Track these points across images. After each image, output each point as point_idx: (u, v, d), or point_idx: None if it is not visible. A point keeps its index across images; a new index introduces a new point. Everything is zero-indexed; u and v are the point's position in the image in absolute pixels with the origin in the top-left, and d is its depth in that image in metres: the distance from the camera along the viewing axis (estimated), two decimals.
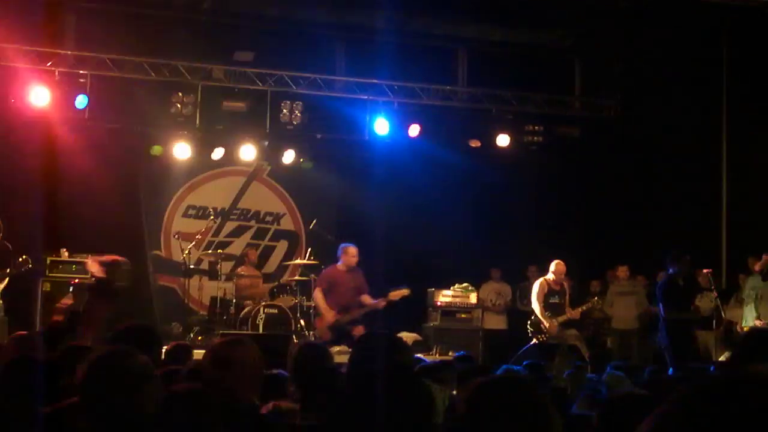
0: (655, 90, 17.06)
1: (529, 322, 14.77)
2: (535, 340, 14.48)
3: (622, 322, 16.42)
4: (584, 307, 15.11)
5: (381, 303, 14.21)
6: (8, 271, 12.97)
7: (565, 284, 14.96)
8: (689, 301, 13.96)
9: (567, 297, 14.87)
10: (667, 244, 15.48)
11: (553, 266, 14.69)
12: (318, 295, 14.25)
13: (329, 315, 14.00)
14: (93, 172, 16.00)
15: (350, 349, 13.23)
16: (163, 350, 6.88)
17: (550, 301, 14.64)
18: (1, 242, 13.08)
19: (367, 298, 14.24)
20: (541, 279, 14.85)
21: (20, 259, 12.91)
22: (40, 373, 4.99)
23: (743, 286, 15.13)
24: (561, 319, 14.59)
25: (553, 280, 14.69)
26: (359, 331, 13.68)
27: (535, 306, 14.69)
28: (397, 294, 14.22)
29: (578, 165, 17.87)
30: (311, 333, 14.99)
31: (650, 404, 3.85)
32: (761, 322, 13.97)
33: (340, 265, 14.24)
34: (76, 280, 14.86)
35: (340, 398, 4.37)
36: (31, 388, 4.85)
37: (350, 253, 14.19)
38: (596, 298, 15.96)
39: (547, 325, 14.48)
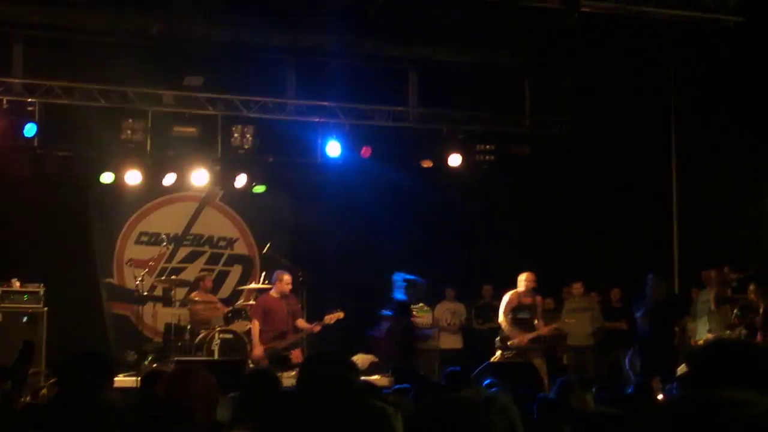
0: (605, 106, 17.18)
1: (498, 337, 14.68)
2: (498, 355, 14.42)
3: (576, 338, 16.45)
4: (555, 326, 15.10)
5: (316, 327, 14.41)
6: None
7: (537, 299, 14.72)
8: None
9: (539, 312, 14.67)
10: (620, 260, 15.64)
11: (522, 277, 14.48)
12: (254, 326, 14.26)
13: (258, 350, 14.07)
14: (43, 200, 15.90)
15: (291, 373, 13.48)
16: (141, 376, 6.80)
17: (519, 316, 14.42)
18: None
19: (302, 323, 14.45)
20: (511, 292, 14.56)
21: None
22: None
23: (696, 300, 15.25)
24: (531, 335, 14.38)
25: (523, 292, 14.43)
26: (296, 355, 13.96)
27: (502, 319, 14.48)
28: (331, 317, 14.38)
29: (531, 183, 17.96)
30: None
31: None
32: (713, 335, 14.07)
33: (273, 292, 14.35)
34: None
35: (290, 420, 4.37)
36: None
37: (284, 280, 14.32)
38: (568, 319, 15.93)
39: (516, 340, 14.36)
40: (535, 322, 14.54)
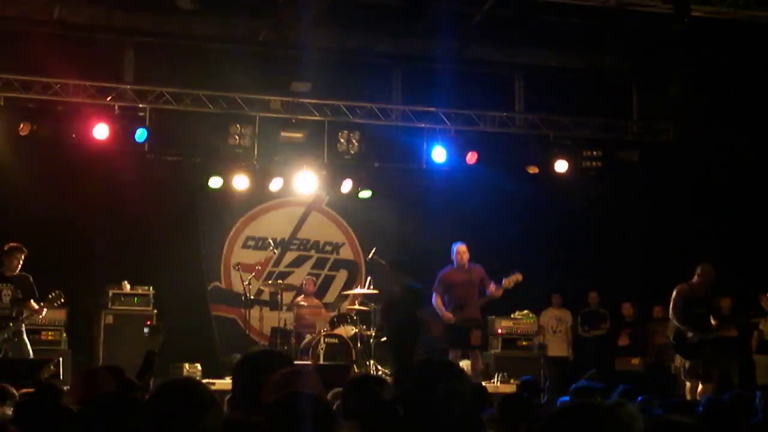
0: (714, 112, 16.87)
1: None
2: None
3: None
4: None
5: (497, 291, 14.41)
6: (41, 307, 12.82)
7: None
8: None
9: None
10: (729, 268, 15.32)
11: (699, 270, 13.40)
12: (436, 299, 14.40)
13: (447, 316, 14.25)
14: (152, 204, 16.15)
15: (466, 357, 13.63)
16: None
17: (697, 311, 13.24)
18: (22, 275, 12.97)
19: (491, 288, 14.48)
20: (681, 284, 13.49)
21: (52, 295, 12.77)
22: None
23: None
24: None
25: (696, 282, 13.38)
26: (476, 337, 14.19)
27: (674, 316, 13.35)
28: (510, 280, 14.34)
29: (638, 189, 17.68)
30: (372, 362, 14.98)
31: None
32: None
33: (454, 265, 14.49)
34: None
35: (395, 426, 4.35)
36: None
37: (458, 251, 14.45)
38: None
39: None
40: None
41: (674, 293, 13.38)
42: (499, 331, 16.57)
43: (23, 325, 12.73)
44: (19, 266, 12.78)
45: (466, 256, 14.37)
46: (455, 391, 4.80)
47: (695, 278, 13.36)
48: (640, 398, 7.44)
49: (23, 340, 12.69)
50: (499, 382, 15.33)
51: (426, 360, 5.26)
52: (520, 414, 6.43)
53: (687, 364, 13.32)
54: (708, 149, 16.99)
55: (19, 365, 11.62)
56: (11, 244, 12.86)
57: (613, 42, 16.56)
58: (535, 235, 17.42)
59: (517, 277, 14.26)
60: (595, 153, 17.12)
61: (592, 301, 17.63)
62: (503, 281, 14.26)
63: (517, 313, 16.78)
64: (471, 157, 16.69)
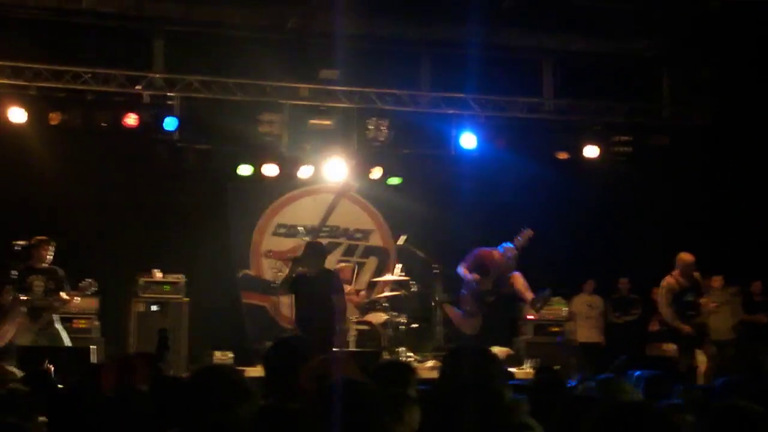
0: (747, 96, 16.74)
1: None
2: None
3: (717, 333, 16.12)
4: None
5: (510, 251, 14.94)
6: (73, 294, 12.98)
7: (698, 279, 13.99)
8: None
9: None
10: (763, 252, 15.25)
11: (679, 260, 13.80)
12: (516, 281, 14.89)
13: (473, 276, 14.71)
14: (183, 193, 16.20)
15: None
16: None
17: (686, 299, 13.70)
18: (53, 267, 13.14)
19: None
20: (666, 277, 13.92)
21: (84, 283, 12.93)
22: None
23: None
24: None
25: (679, 273, 13.77)
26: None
27: (664, 311, 13.87)
28: (524, 236, 14.82)
29: (669, 174, 17.57)
30: (402, 349, 14.99)
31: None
32: None
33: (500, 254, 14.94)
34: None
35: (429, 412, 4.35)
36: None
37: (513, 253, 15.02)
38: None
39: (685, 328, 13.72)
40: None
41: (662, 290, 13.82)
42: (530, 317, 16.54)
43: (55, 315, 12.91)
44: (49, 258, 12.94)
45: (513, 262, 14.60)
46: (488, 376, 4.81)
47: (676, 270, 13.75)
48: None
49: (57, 329, 12.88)
50: (530, 368, 15.31)
51: (457, 347, 5.27)
52: (552, 397, 6.41)
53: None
54: (741, 132, 16.86)
55: (62, 353, 11.79)
56: (39, 237, 12.99)
57: (643, 25, 16.45)
58: (565, 221, 17.35)
59: (529, 233, 14.35)
60: (625, 138, 17.04)
61: (623, 286, 17.57)
62: (515, 240, 14.39)
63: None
64: (500, 143, 16.67)
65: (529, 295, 14.84)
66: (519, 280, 14.91)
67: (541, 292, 15.06)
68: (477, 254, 14.64)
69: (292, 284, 13.28)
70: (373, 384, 4.50)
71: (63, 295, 12.80)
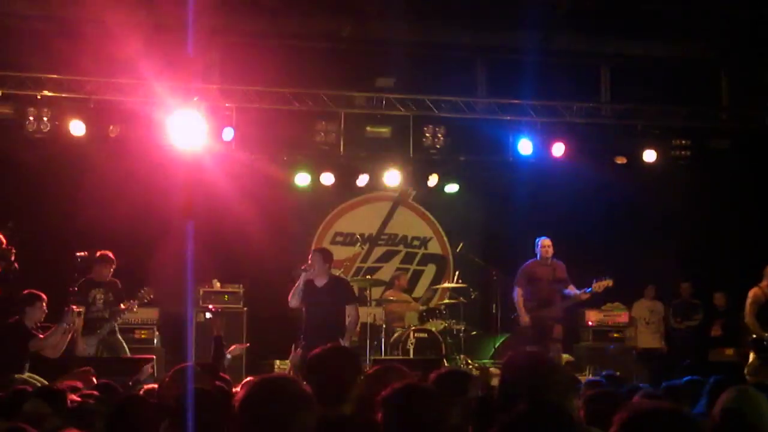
0: None
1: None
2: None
3: None
4: None
5: (584, 295, 14.18)
6: (132, 303, 13.12)
7: None
8: None
9: None
10: None
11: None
12: (517, 293, 14.33)
13: (524, 318, 14.11)
14: (241, 203, 16.25)
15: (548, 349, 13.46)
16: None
17: None
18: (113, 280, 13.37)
19: (572, 288, 14.27)
20: (753, 288, 13.69)
21: (141, 291, 13.10)
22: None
23: None
24: None
25: (766, 284, 13.58)
26: (558, 331, 14.01)
27: (749, 320, 13.54)
28: (601, 285, 14.09)
29: (729, 178, 17.36)
30: (462, 357, 14.95)
31: None
32: None
33: (538, 259, 14.33)
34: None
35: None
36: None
37: (543, 244, 14.33)
38: None
39: None
40: None
41: (748, 299, 13.54)
42: (590, 323, 16.46)
43: (116, 325, 13.20)
44: (110, 275, 13.16)
45: (550, 251, 14.27)
46: (546, 384, 4.78)
47: (764, 281, 13.57)
48: None
49: (118, 338, 13.11)
50: (590, 374, 15.19)
51: (515, 355, 5.25)
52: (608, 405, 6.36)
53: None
54: None
55: (118, 364, 11.90)
56: (103, 253, 13.17)
57: (701, 28, 16.28)
58: (625, 226, 17.23)
59: (608, 282, 14.04)
60: (684, 142, 16.85)
61: (684, 291, 17.42)
62: (593, 285, 14.07)
63: (607, 304, 16.64)
64: (557, 149, 16.52)
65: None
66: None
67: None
68: (523, 270, 14.48)
69: (302, 294, 12.47)
70: (435, 390, 4.49)
71: (122, 306, 12.97)
